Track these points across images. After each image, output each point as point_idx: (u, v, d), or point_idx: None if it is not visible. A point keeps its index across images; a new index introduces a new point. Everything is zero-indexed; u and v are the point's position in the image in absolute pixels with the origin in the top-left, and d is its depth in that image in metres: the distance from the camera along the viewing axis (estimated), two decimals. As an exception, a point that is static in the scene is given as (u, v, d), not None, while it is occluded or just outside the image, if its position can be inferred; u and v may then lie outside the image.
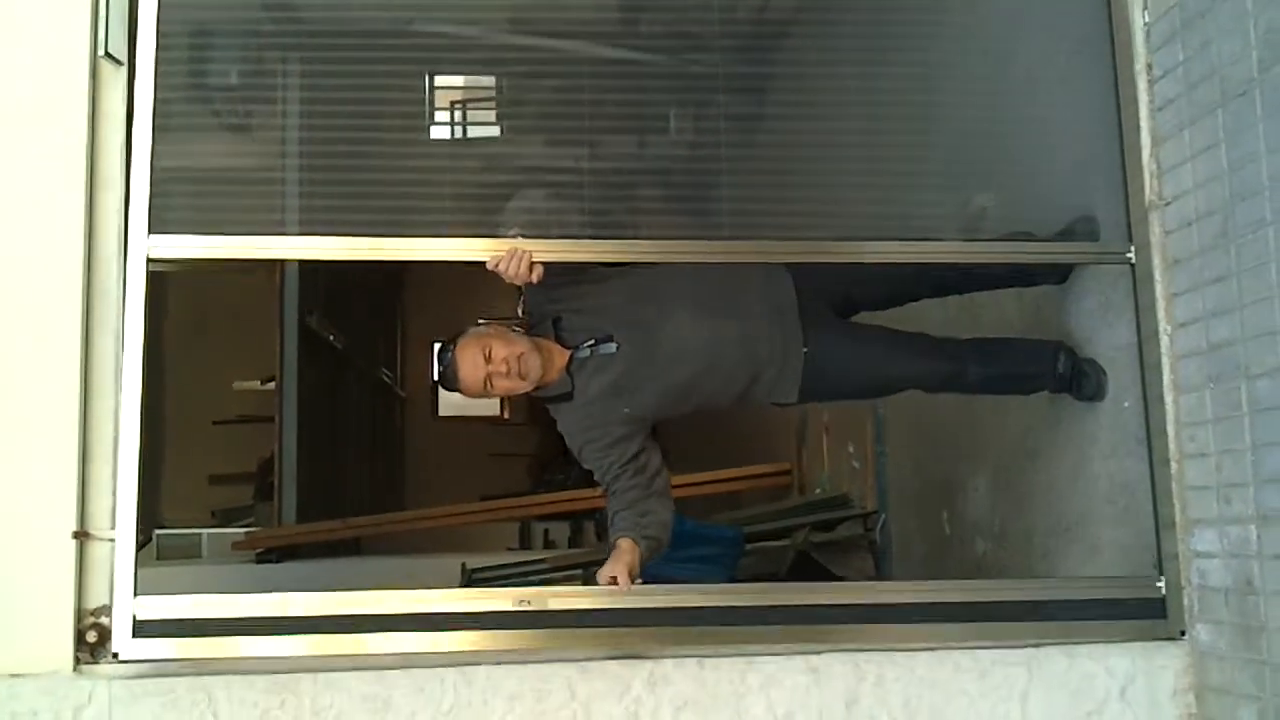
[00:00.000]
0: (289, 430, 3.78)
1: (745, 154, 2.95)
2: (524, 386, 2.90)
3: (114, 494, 2.68)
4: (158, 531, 3.69)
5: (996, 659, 2.74)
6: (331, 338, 4.45)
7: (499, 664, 2.68)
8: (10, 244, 2.70)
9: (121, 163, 2.75)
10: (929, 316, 3.32)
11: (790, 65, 3.11)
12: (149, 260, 2.70)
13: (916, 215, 2.99)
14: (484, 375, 2.85)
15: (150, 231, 2.71)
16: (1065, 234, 2.99)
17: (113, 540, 2.67)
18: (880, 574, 3.54)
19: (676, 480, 3.02)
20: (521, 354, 2.86)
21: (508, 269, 2.73)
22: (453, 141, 3.11)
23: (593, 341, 2.92)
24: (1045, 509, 3.26)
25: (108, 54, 2.74)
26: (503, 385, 2.88)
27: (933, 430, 3.20)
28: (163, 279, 2.79)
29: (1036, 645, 2.76)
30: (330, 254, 2.79)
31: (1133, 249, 2.88)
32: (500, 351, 2.85)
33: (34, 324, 2.69)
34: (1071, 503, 3.19)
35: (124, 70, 2.77)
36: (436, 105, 3.04)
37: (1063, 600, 2.80)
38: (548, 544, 4.51)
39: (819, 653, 2.73)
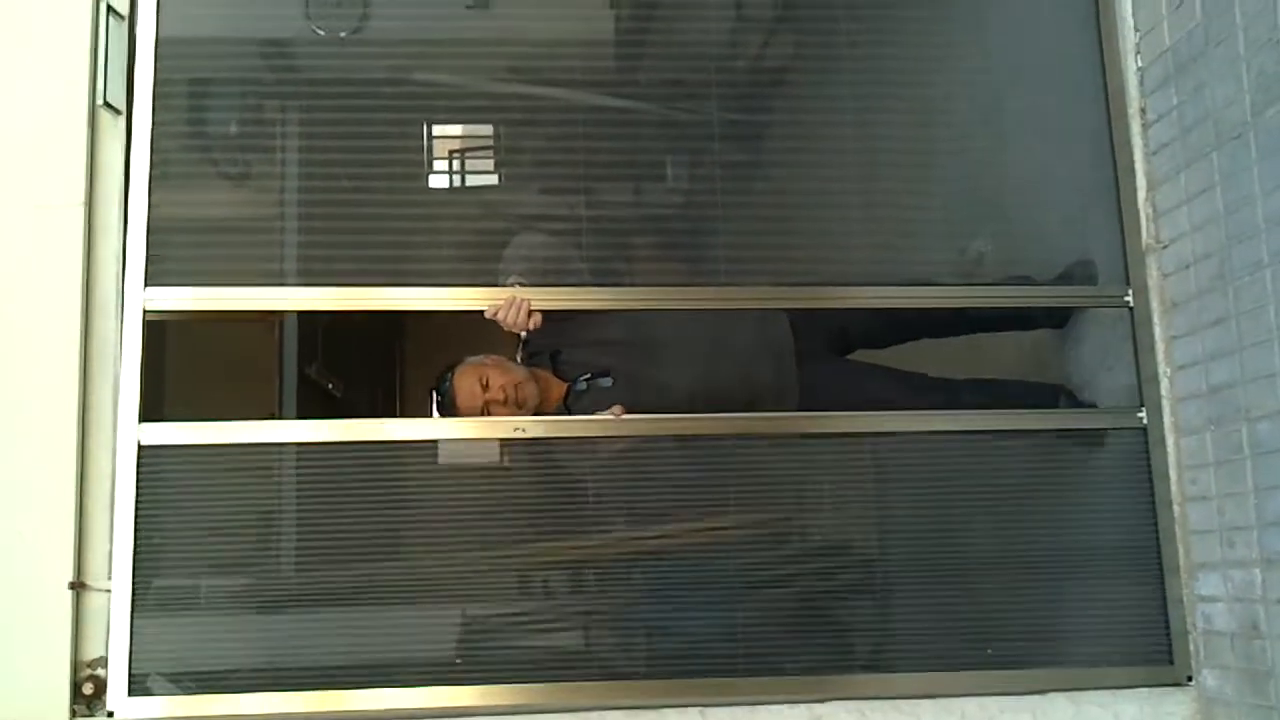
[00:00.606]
0: (289, 476, 3.76)
1: (742, 200, 2.96)
2: (521, 415, 2.92)
3: (111, 544, 2.66)
4: (156, 581, 3.62)
5: (1003, 706, 2.71)
6: (330, 386, 4.45)
7: (496, 716, 2.64)
8: (9, 294, 2.70)
9: (119, 212, 2.76)
10: (928, 356, 3.30)
11: (786, 113, 3.12)
12: (146, 312, 2.71)
13: (914, 260, 2.99)
14: (481, 403, 2.91)
15: (147, 284, 2.73)
16: (1064, 278, 2.99)
17: (109, 591, 2.65)
18: (882, 619, 3.49)
19: (662, 533, 3.01)
20: (519, 383, 2.93)
21: (506, 317, 2.76)
22: (451, 190, 3.10)
23: (589, 375, 2.97)
24: (1048, 552, 3.22)
25: (106, 103, 2.76)
26: (500, 414, 2.91)
27: (931, 470, 3.16)
28: (161, 328, 2.78)
29: (1042, 693, 2.73)
30: (328, 305, 2.82)
31: (1131, 292, 2.88)
32: (498, 380, 2.92)
33: (31, 374, 2.68)
34: (1074, 546, 3.15)
35: (122, 120, 2.79)
36: (435, 154, 3.04)
37: (1068, 647, 2.77)
38: (548, 594, 4.46)
39: (823, 700, 2.70)
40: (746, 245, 2.92)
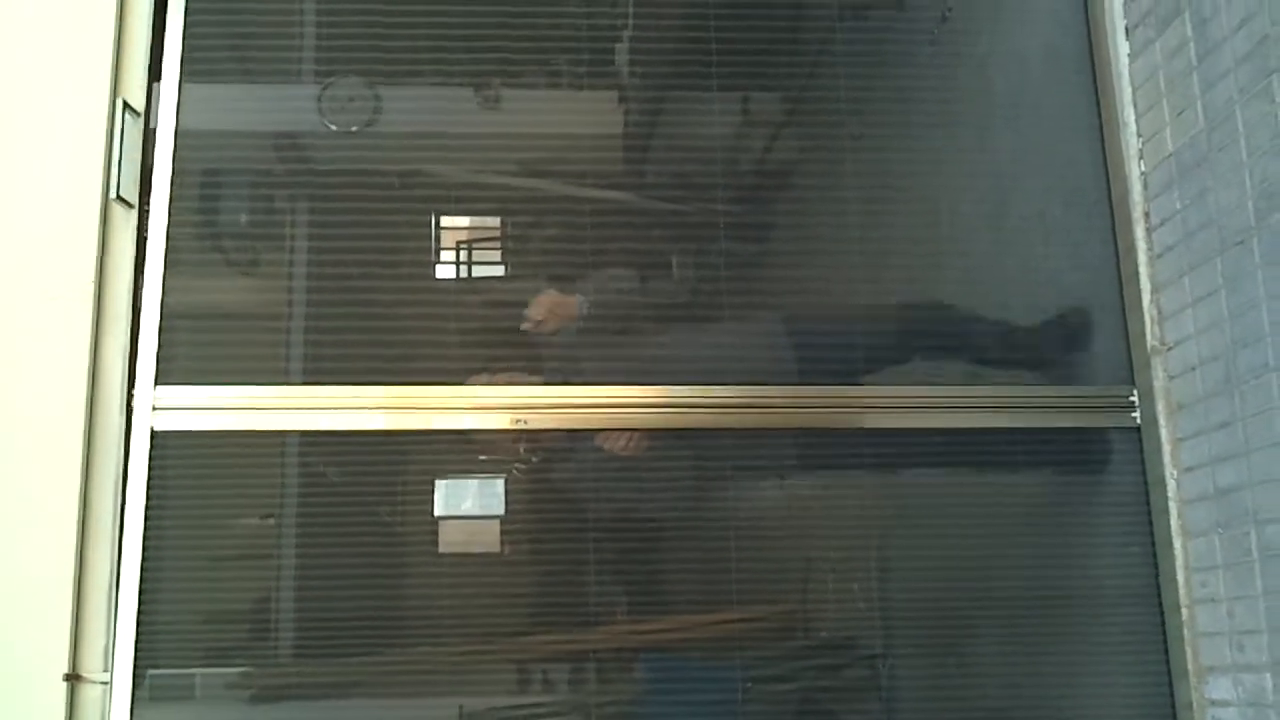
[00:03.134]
0: (287, 568, 3.74)
1: (746, 299, 2.99)
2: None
3: (108, 634, 2.65)
4: (150, 671, 3.59)
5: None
6: (331, 475, 4.42)
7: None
8: (15, 383, 2.71)
9: (128, 305, 2.78)
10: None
11: (791, 212, 3.15)
12: (154, 409, 2.73)
13: (917, 361, 3.01)
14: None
15: (157, 382, 2.75)
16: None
17: (105, 683, 2.62)
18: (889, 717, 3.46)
19: (671, 623, 2.99)
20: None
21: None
22: (458, 281, 3.12)
23: None
24: (1055, 654, 3.19)
25: (119, 197, 2.79)
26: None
27: (940, 573, 3.14)
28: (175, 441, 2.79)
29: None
30: (341, 404, 2.81)
31: (1136, 394, 2.89)
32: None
33: (33, 464, 2.68)
34: (1083, 648, 3.13)
35: (134, 213, 2.82)
36: (442, 245, 3.06)
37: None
38: (546, 686, 4.40)
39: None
40: (749, 345, 2.95)
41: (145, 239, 2.81)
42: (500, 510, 2.90)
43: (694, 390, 2.87)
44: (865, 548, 2.96)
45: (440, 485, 2.92)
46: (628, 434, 2.87)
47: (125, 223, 2.82)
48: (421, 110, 3.07)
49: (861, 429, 2.92)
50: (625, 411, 2.86)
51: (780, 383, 2.91)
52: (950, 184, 3.14)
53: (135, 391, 2.74)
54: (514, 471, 2.93)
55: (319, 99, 2.98)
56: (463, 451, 2.91)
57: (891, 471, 2.98)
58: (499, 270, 3.14)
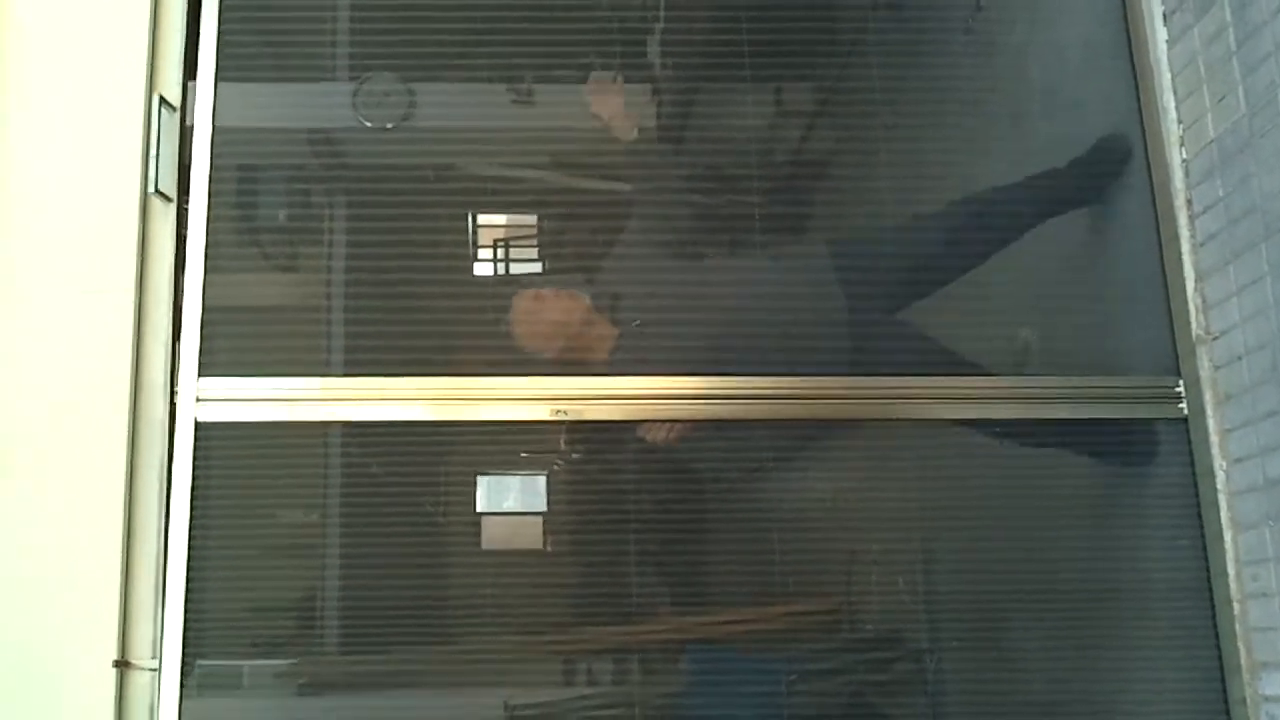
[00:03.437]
0: (330, 559, 3.78)
1: (780, 290, 2.97)
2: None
3: (155, 623, 2.68)
4: (199, 662, 3.65)
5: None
6: (374, 466, 4.45)
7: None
8: (58, 377, 2.74)
9: (169, 299, 2.81)
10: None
11: (828, 205, 3.13)
12: (198, 400, 2.77)
13: (962, 351, 2.97)
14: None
15: (200, 374, 2.78)
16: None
17: (154, 670, 2.66)
18: (936, 715, 3.44)
19: (715, 617, 2.99)
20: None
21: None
22: (496, 278, 3.13)
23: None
24: (1105, 649, 3.15)
25: (158, 191, 2.82)
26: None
27: (986, 566, 3.11)
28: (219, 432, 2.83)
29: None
30: (382, 395, 2.82)
31: (1183, 384, 2.84)
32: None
33: (79, 456, 2.72)
34: (1133, 643, 3.08)
35: (172, 207, 2.84)
36: (480, 243, 3.08)
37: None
38: (591, 682, 4.41)
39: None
40: (782, 334, 2.93)
41: (185, 233, 2.83)
42: (543, 506, 2.91)
43: (736, 381, 2.85)
44: (910, 540, 2.94)
45: (482, 481, 2.95)
46: (669, 425, 2.86)
47: (164, 216, 2.84)
48: (455, 105, 3.08)
49: (907, 420, 2.90)
50: (668, 402, 2.85)
51: (825, 374, 2.88)
52: (986, 175, 3.11)
53: (179, 383, 2.77)
54: (555, 465, 2.94)
55: (354, 95, 3.00)
56: (503, 444, 2.91)
57: (937, 463, 2.95)
58: (536, 266, 3.15)
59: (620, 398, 2.85)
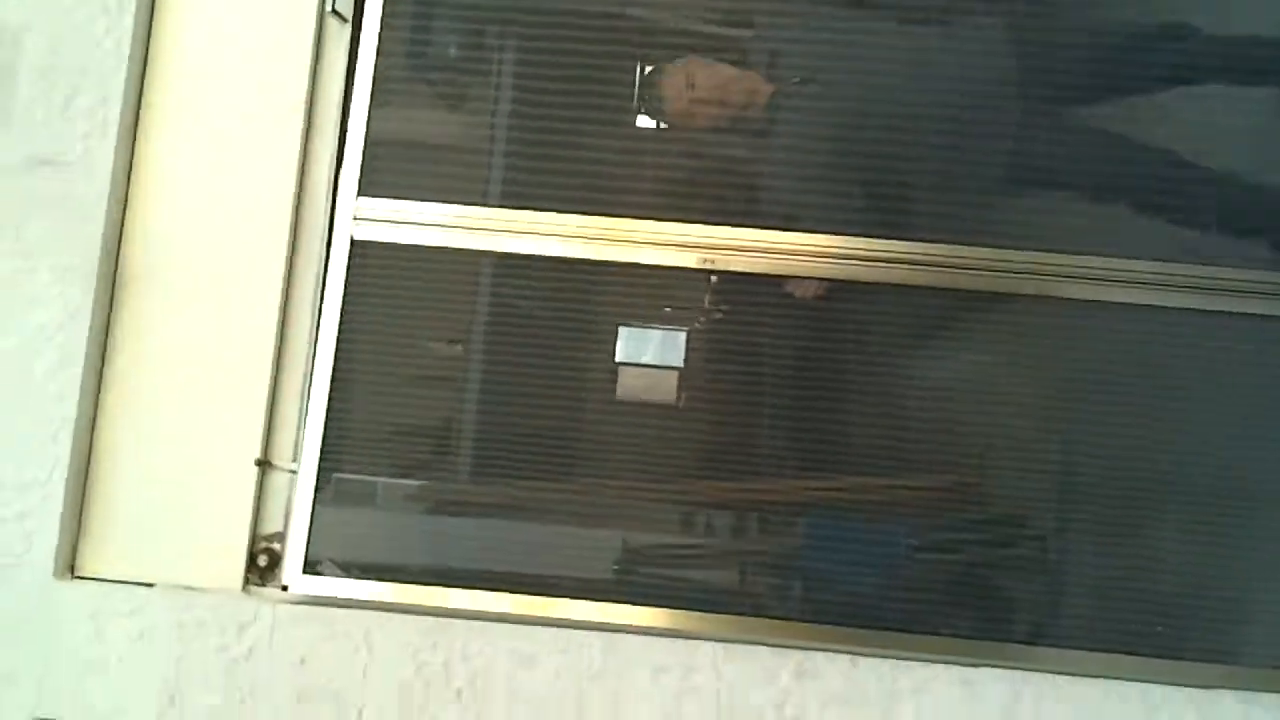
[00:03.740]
0: (473, 397, 3.85)
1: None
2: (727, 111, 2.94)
3: (299, 428, 2.81)
4: (336, 475, 3.80)
5: (1166, 696, 2.61)
6: (522, 300, 4.51)
7: (647, 636, 2.68)
8: (225, 185, 2.84)
9: (337, 119, 2.87)
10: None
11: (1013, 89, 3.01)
12: (355, 220, 2.84)
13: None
14: (686, 104, 2.91)
15: (359, 194, 2.84)
16: None
17: (293, 472, 2.80)
18: (1050, 599, 3.40)
19: (840, 484, 3.00)
20: (727, 81, 2.92)
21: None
22: (658, 130, 3.09)
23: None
24: (1236, 551, 3.07)
25: (334, 10, 2.86)
26: (705, 113, 2.93)
27: (1121, 458, 3.04)
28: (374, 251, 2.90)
29: (1209, 688, 2.62)
30: (536, 229, 2.85)
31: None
32: (704, 80, 2.92)
33: (241, 262, 2.83)
34: (1264, 544, 2.99)
35: (348, 28, 2.88)
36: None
37: (1243, 644, 2.66)
38: (710, 534, 4.48)
39: (976, 666, 2.65)
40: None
41: (357, 54, 2.88)
42: (680, 361, 2.92)
43: (890, 245, 2.82)
44: (1049, 423, 2.87)
45: (623, 332, 2.96)
46: (816, 282, 2.84)
47: (339, 37, 2.89)
48: None
49: (1060, 298, 2.82)
50: (817, 260, 2.83)
51: (981, 244, 2.82)
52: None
53: (338, 201, 2.85)
54: (697, 323, 2.93)
55: None
56: (649, 295, 2.92)
57: (1086, 346, 2.87)
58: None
59: (769, 251, 2.83)
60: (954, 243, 2.82)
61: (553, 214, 2.85)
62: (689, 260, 2.84)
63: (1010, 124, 2.93)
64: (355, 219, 2.85)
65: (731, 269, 2.85)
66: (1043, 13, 2.95)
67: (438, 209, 2.87)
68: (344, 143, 2.87)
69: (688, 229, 2.84)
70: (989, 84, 2.95)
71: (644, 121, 3.00)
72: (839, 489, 2.95)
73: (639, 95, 2.97)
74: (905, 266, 2.82)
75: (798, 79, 2.95)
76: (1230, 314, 2.81)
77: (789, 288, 2.86)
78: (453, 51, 3.01)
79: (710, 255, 2.84)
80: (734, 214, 2.87)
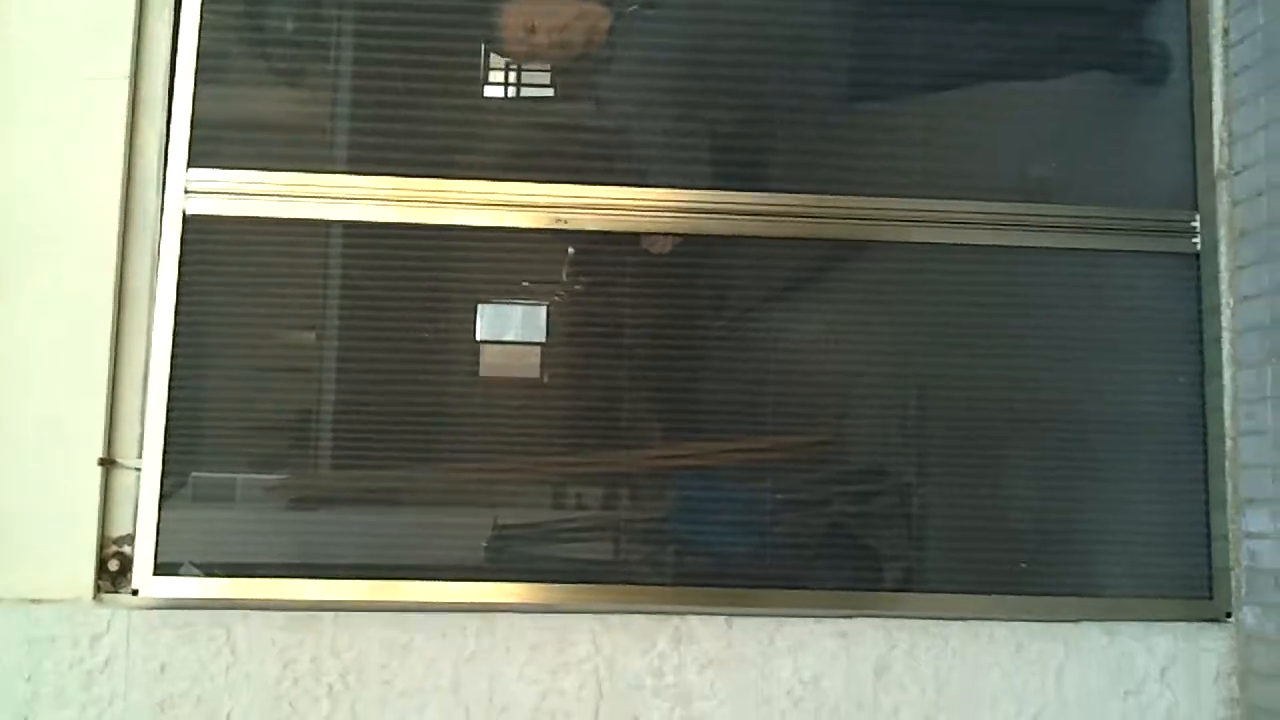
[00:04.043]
0: (328, 380, 3.75)
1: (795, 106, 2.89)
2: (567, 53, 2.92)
3: (142, 424, 2.66)
4: (193, 474, 3.66)
5: (1034, 633, 2.69)
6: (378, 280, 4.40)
7: (523, 613, 2.64)
8: (50, 167, 2.68)
9: (164, 89, 2.73)
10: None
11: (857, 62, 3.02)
12: (187, 192, 2.70)
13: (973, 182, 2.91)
14: (527, 47, 2.89)
15: (190, 165, 2.70)
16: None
17: (139, 469, 2.65)
18: (916, 547, 3.47)
19: (704, 449, 3.00)
20: (565, 25, 2.89)
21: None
22: (506, 99, 3.02)
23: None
24: (1092, 481, 3.17)
25: (156, -19, 2.73)
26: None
27: (976, 400, 3.10)
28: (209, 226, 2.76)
29: (1075, 621, 2.70)
30: (374, 196, 2.75)
31: (1198, 219, 2.80)
32: (544, 23, 2.87)
33: (70, 248, 2.67)
34: (1121, 476, 3.10)
35: (170, -1, 2.75)
36: (491, 66, 2.97)
37: (1104, 576, 2.74)
38: (580, 507, 4.45)
39: (850, 617, 2.68)
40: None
41: (180, 21, 2.73)
42: (542, 334, 2.88)
43: (737, 196, 2.82)
44: (906, 367, 2.91)
45: (482, 309, 2.90)
46: (670, 237, 2.81)
47: (161, 7, 2.75)
48: None
49: (914, 243, 2.85)
50: (671, 216, 2.81)
51: (830, 192, 2.83)
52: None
53: (168, 175, 2.71)
54: (556, 294, 2.90)
55: None
56: (504, 259, 2.86)
57: (938, 289, 2.91)
58: (549, 91, 3.04)
59: (621, 208, 2.80)
60: (802, 192, 2.83)
61: (398, 178, 2.76)
62: (543, 220, 2.79)
63: (848, 63, 2.95)
64: (187, 192, 2.71)
65: (586, 228, 2.80)
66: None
67: (275, 177, 2.75)
68: (171, 116, 2.73)
69: (539, 189, 2.78)
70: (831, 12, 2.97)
71: (490, 90, 2.93)
72: (704, 454, 2.95)
73: (482, 40, 2.91)
74: (755, 218, 2.82)
75: (634, 5, 2.92)
76: (1063, 250, 2.88)
77: (644, 244, 2.83)
78: (289, 25, 2.89)
79: (564, 215, 2.79)
80: (585, 172, 2.83)
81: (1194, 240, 2.82)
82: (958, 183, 2.89)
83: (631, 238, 2.82)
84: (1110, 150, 2.96)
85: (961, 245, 2.86)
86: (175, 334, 2.69)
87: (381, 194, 2.75)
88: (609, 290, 2.90)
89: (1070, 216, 2.86)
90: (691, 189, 2.81)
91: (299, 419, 2.84)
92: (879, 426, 2.92)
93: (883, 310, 2.94)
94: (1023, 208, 2.87)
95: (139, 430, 2.68)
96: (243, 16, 2.84)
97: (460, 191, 2.77)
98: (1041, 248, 2.87)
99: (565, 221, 2.79)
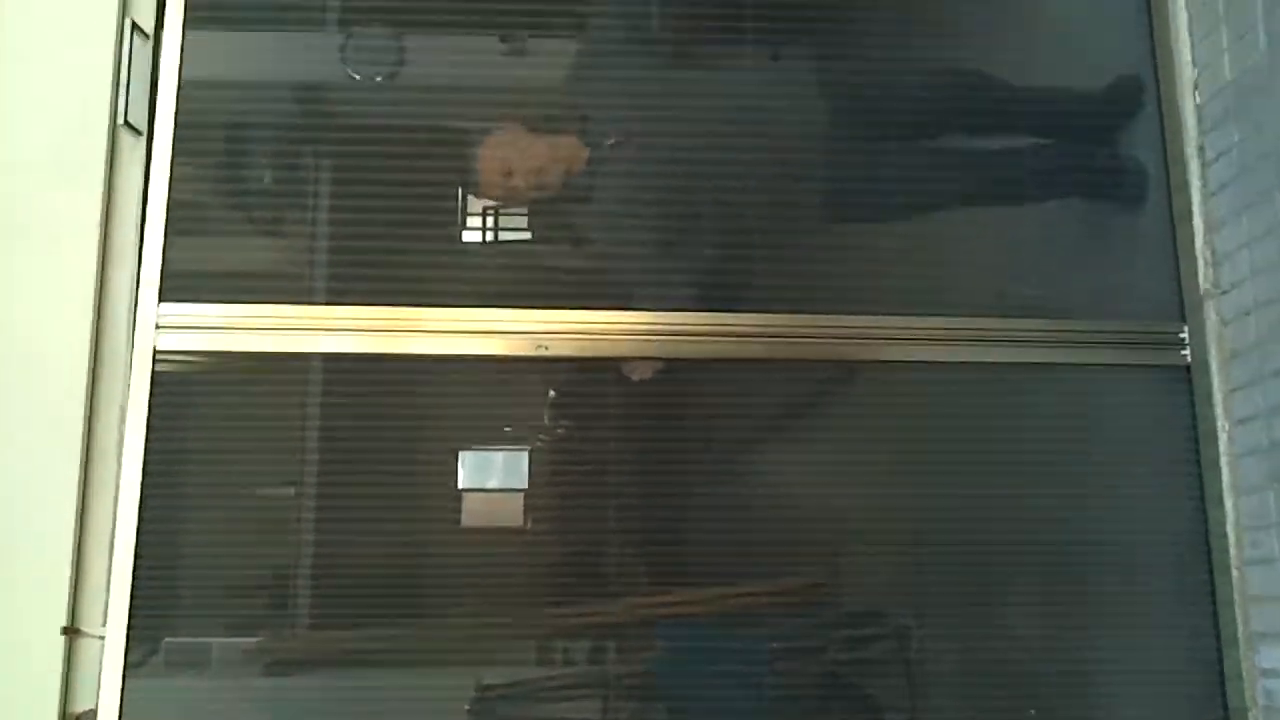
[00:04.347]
0: (306, 535, 3.68)
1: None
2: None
3: (108, 590, 2.56)
4: (166, 639, 3.54)
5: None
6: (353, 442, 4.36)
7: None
8: (18, 314, 2.63)
9: (136, 236, 2.70)
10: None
11: (817, 167, 3.04)
12: (158, 327, 2.66)
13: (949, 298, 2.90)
14: (502, 191, 2.89)
15: (161, 299, 2.67)
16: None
17: (103, 638, 2.53)
18: (914, 693, 3.37)
19: (693, 595, 2.93)
20: (540, 168, 2.88)
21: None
22: (483, 244, 3.03)
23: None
24: (1095, 618, 3.08)
25: (127, 123, 2.72)
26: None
27: (974, 536, 3.03)
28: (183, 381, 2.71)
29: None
30: (354, 327, 2.72)
31: (1187, 337, 2.78)
32: (521, 166, 2.88)
33: (35, 401, 2.60)
34: (1125, 612, 3.01)
35: (143, 141, 2.74)
36: (469, 210, 2.98)
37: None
38: (567, 662, 4.33)
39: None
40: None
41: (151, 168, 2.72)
42: (524, 481, 2.82)
43: (719, 318, 2.80)
44: (896, 498, 2.84)
45: (464, 456, 2.84)
46: (650, 363, 2.80)
47: (134, 150, 2.74)
48: (446, 60, 2.98)
49: (893, 361, 2.82)
50: (652, 339, 2.79)
51: (808, 311, 2.82)
52: (986, 122, 3.04)
53: (137, 317, 2.66)
54: (538, 439, 2.85)
55: (342, 47, 2.91)
56: (484, 386, 2.83)
57: (924, 411, 2.87)
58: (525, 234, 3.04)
59: (602, 332, 2.78)
60: (780, 311, 2.82)
61: (376, 307, 2.73)
62: (524, 347, 2.76)
63: (827, 185, 2.97)
64: (158, 327, 2.67)
65: (567, 354, 2.77)
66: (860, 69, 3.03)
67: (249, 310, 2.72)
68: (142, 260, 2.70)
69: (519, 314, 2.76)
70: (803, 138, 2.99)
71: (469, 236, 2.93)
72: (693, 601, 2.85)
73: (460, 185, 2.92)
74: (732, 340, 2.80)
75: (612, 140, 2.94)
76: (1054, 367, 2.84)
77: (625, 371, 2.80)
78: (266, 177, 2.91)
79: (544, 341, 2.76)
80: (566, 299, 2.81)
81: (1184, 353, 2.80)
82: (938, 298, 2.88)
83: (612, 365, 2.79)
84: (1094, 272, 2.96)
85: (947, 363, 2.83)
86: (143, 489, 2.60)
87: (359, 324, 2.72)
88: (590, 430, 2.85)
89: (1058, 331, 2.84)
90: (673, 310, 2.80)
91: (275, 577, 2.74)
92: (873, 564, 2.84)
93: (869, 438, 2.88)
94: (1005, 323, 2.85)
95: (105, 596, 2.56)
96: (219, 172, 2.85)
97: (439, 320, 2.74)
98: (1025, 363, 2.84)
99: (546, 348, 2.75)
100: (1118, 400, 2.87)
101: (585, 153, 2.93)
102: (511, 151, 2.90)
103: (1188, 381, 2.79)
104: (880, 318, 2.82)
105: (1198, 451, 2.75)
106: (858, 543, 2.83)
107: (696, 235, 2.96)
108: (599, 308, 2.79)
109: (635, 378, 2.80)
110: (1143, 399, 2.87)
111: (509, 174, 2.87)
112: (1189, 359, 2.79)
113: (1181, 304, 2.81)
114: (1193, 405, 2.77)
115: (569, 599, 2.75)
